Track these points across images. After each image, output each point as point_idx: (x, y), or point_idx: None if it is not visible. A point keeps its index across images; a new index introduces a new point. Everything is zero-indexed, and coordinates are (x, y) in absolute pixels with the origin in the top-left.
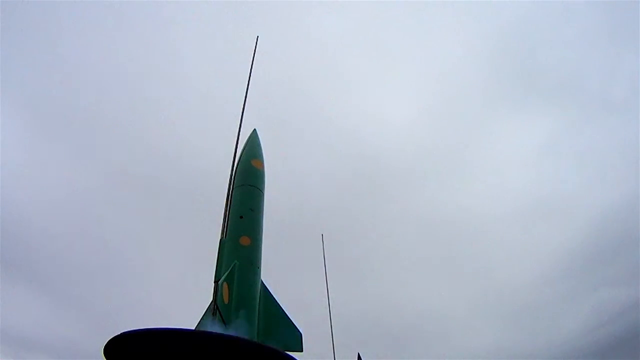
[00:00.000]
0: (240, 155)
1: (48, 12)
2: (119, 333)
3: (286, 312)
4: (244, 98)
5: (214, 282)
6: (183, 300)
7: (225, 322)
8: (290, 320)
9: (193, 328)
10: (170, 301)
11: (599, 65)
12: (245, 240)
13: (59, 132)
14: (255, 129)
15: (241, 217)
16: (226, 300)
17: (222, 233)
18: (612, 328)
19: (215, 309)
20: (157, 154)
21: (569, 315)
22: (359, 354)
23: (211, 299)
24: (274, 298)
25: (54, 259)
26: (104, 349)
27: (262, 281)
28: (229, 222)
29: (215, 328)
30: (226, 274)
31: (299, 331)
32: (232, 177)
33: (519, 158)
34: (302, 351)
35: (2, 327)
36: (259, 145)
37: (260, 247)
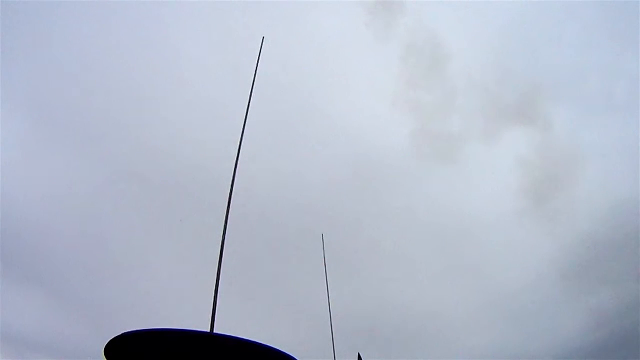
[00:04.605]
0: None
1: (49, 11)
2: (120, 333)
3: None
4: (247, 99)
5: None
6: (184, 300)
7: None
8: None
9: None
10: (171, 301)
11: (600, 65)
12: None
13: (59, 131)
14: None
15: None
16: None
17: (223, 231)
18: (612, 328)
19: None
20: (158, 154)
21: (569, 315)
22: (359, 354)
23: (212, 298)
24: None
25: (54, 258)
26: (105, 350)
27: None
28: None
29: None
30: None
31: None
32: (234, 177)
33: (519, 157)
34: None
35: (2, 327)
36: None
37: None
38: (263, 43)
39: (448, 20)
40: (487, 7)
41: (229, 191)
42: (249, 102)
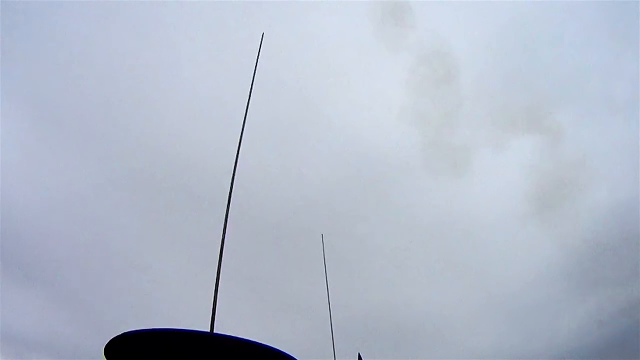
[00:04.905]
0: None
1: (48, 11)
2: (120, 333)
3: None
4: (247, 97)
5: None
6: (184, 300)
7: None
8: None
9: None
10: (171, 301)
11: (600, 64)
12: None
13: (59, 131)
14: None
15: None
16: None
17: (223, 231)
18: (612, 328)
19: None
20: (157, 154)
21: (569, 315)
22: (359, 354)
23: (212, 298)
24: None
25: (54, 259)
26: (105, 349)
27: None
28: None
29: None
30: None
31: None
32: (233, 176)
33: (519, 158)
34: None
35: (2, 327)
36: None
37: None
38: (263, 39)
39: (445, 19)
40: (486, 7)
41: (228, 190)
42: (249, 100)
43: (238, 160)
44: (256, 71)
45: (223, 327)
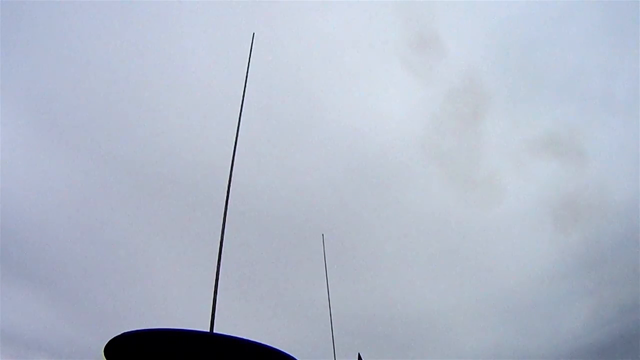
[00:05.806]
0: None
1: (48, 11)
2: (120, 333)
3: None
4: (241, 96)
5: None
6: (184, 300)
7: None
8: None
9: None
10: (171, 301)
11: (600, 65)
12: None
13: (58, 130)
14: None
15: None
16: None
17: (222, 231)
18: (612, 328)
19: None
20: (156, 153)
21: (569, 315)
22: (359, 354)
23: (211, 298)
24: None
25: (54, 258)
26: (105, 350)
27: None
28: None
29: None
30: None
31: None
32: (231, 175)
33: (519, 158)
34: None
35: (2, 327)
36: None
37: None
38: (254, 40)
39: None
40: (484, 6)
41: (227, 190)
42: (243, 98)
43: (237, 158)
44: (253, 70)
45: (223, 327)
